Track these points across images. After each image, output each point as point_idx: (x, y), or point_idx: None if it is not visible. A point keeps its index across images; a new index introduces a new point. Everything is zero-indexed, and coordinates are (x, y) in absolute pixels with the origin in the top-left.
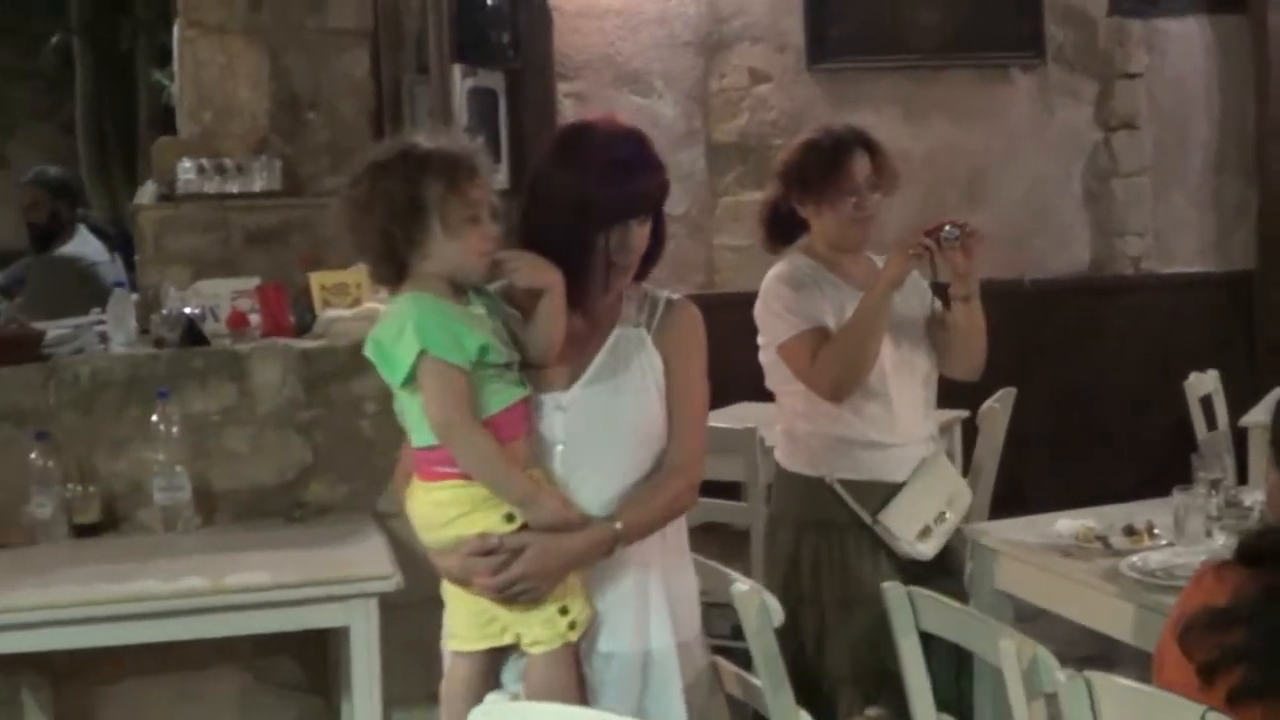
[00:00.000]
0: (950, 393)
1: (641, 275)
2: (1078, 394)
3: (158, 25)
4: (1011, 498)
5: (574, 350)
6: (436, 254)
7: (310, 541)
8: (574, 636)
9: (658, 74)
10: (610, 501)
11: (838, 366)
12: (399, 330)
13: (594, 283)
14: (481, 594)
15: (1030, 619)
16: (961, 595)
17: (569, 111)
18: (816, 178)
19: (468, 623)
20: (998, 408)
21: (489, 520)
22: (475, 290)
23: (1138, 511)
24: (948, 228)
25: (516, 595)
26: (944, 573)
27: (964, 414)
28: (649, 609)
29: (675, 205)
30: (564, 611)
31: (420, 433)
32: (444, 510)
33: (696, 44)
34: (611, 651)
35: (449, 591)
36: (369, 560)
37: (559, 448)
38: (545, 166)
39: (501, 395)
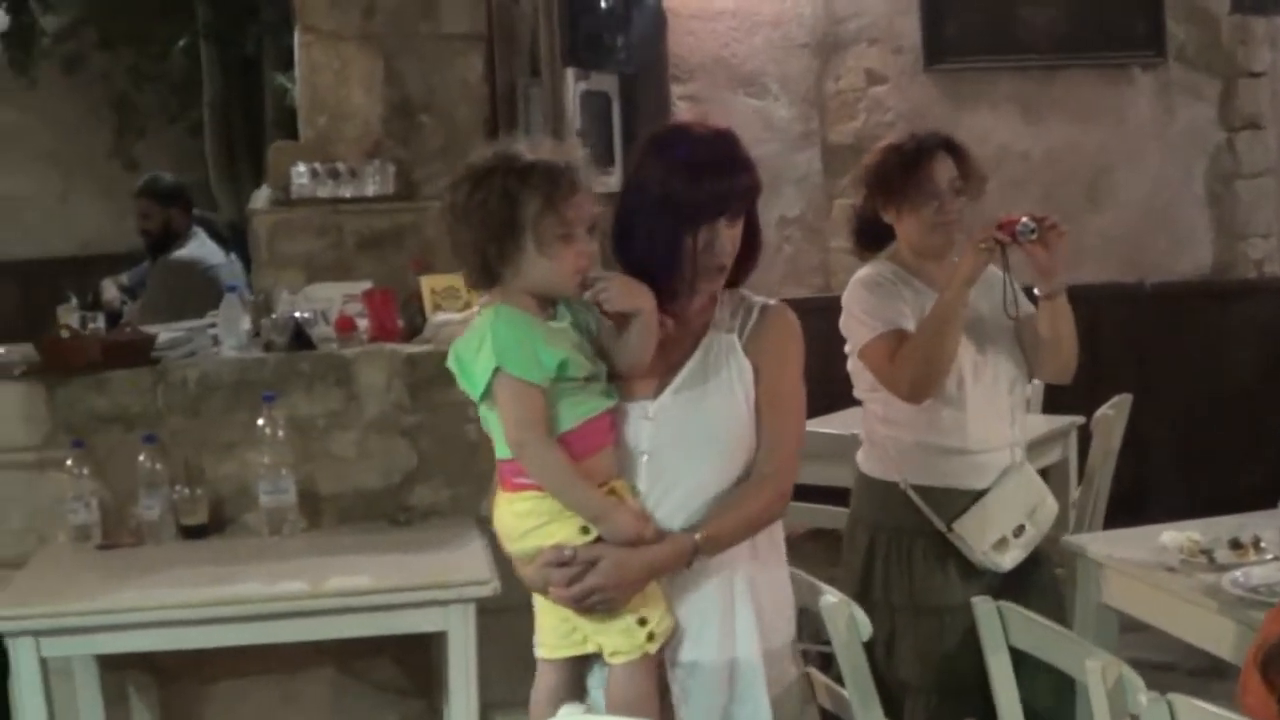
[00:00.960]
0: (1066, 398)
1: (737, 279)
2: (1199, 400)
3: (283, 29)
4: (1131, 505)
5: (664, 357)
6: (528, 269)
7: (412, 546)
8: (652, 648)
9: (773, 76)
10: (696, 511)
11: (913, 367)
12: (478, 345)
13: (682, 284)
14: (560, 604)
15: (1141, 630)
16: (1046, 609)
17: (684, 114)
18: (898, 182)
19: (552, 631)
20: (1112, 414)
21: (565, 531)
22: (562, 305)
23: (1248, 524)
24: (1024, 220)
25: (593, 606)
26: (1024, 585)
27: (1080, 420)
28: (734, 618)
29: (790, 208)
30: (642, 622)
31: (501, 445)
32: (523, 521)
33: (812, 46)
34: (696, 661)
35: (537, 599)
36: (468, 565)
37: (644, 457)
38: (635, 168)
39: (583, 407)
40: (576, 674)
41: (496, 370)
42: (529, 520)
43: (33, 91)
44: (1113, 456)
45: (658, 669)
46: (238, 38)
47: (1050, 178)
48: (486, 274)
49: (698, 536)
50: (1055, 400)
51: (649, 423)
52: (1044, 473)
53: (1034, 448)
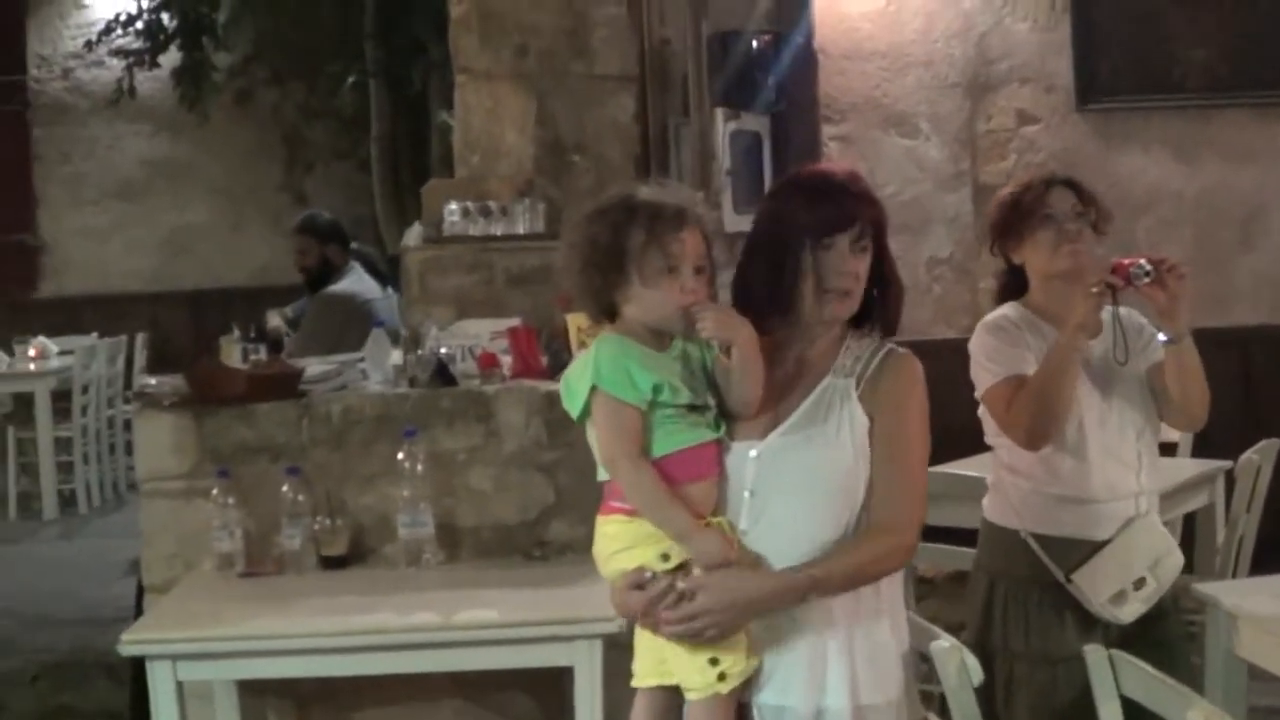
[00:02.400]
0: (1217, 442)
1: (872, 324)
2: None
3: (448, 67)
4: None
5: (780, 397)
6: (634, 300)
7: (546, 580)
8: (723, 689)
9: (924, 116)
10: (796, 556)
11: (1029, 415)
12: (582, 368)
13: (801, 308)
14: (643, 627)
15: (1274, 679)
16: (1165, 661)
17: (835, 154)
18: (1015, 214)
19: (643, 658)
20: (1257, 459)
21: (647, 556)
22: (687, 337)
23: None
24: (1139, 262)
25: (693, 633)
26: (1145, 638)
27: (1228, 464)
28: (826, 666)
29: (940, 248)
30: (714, 662)
31: (600, 466)
32: (609, 543)
33: (964, 85)
34: (782, 705)
35: (636, 628)
36: (598, 601)
37: (747, 496)
38: (762, 206)
39: (681, 435)
40: (668, 704)
41: (593, 389)
42: (615, 543)
43: (205, 127)
44: (1259, 503)
45: (738, 709)
46: (405, 75)
47: (1203, 218)
48: (601, 306)
49: (814, 573)
50: (1206, 444)
51: (754, 462)
52: (1190, 518)
53: (1180, 493)
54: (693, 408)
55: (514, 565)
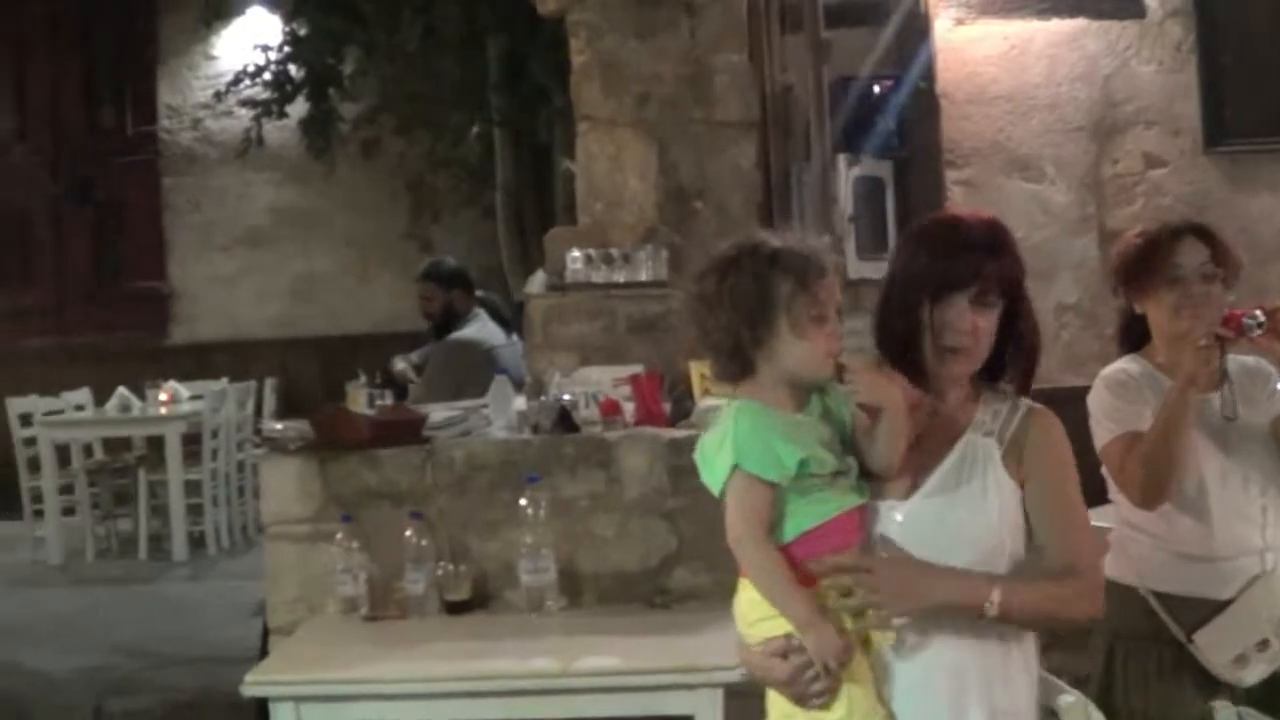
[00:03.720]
0: None
1: (1005, 376)
2: None
3: (571, 116)
4: None
5: (920, 456)
6: (781, 353)
7: (667, 628)
8: None
9: (1049, 160)
10: (938, 620)
11: (1142, 473)
12: (720, 441)
13: (922, 362)
14: (781, 693)
15: None
16: None
17: (958, 199)
18: (1140, 266)
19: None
20: None
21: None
22: (822, 389)
23: None
24: (1256, 313)
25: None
26: (1269, 704)
27: None
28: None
29: (1067, 294)
30: None
31: None
32: (754, 609)
33: (1089, 129)
34: None
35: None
36: (719, 650)
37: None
38: (895, 254)
39: (828, 505)
40: None
41: (734, 468)
42: (760, 609)
43: (332, 176)
44: None
45: None
46: (529, 124)
47: None
48: (738, 361)
49: (998, 590)
50: None
51: (898, 525)
52: None
53: None
54: (836, 473)
55: (635, 612)
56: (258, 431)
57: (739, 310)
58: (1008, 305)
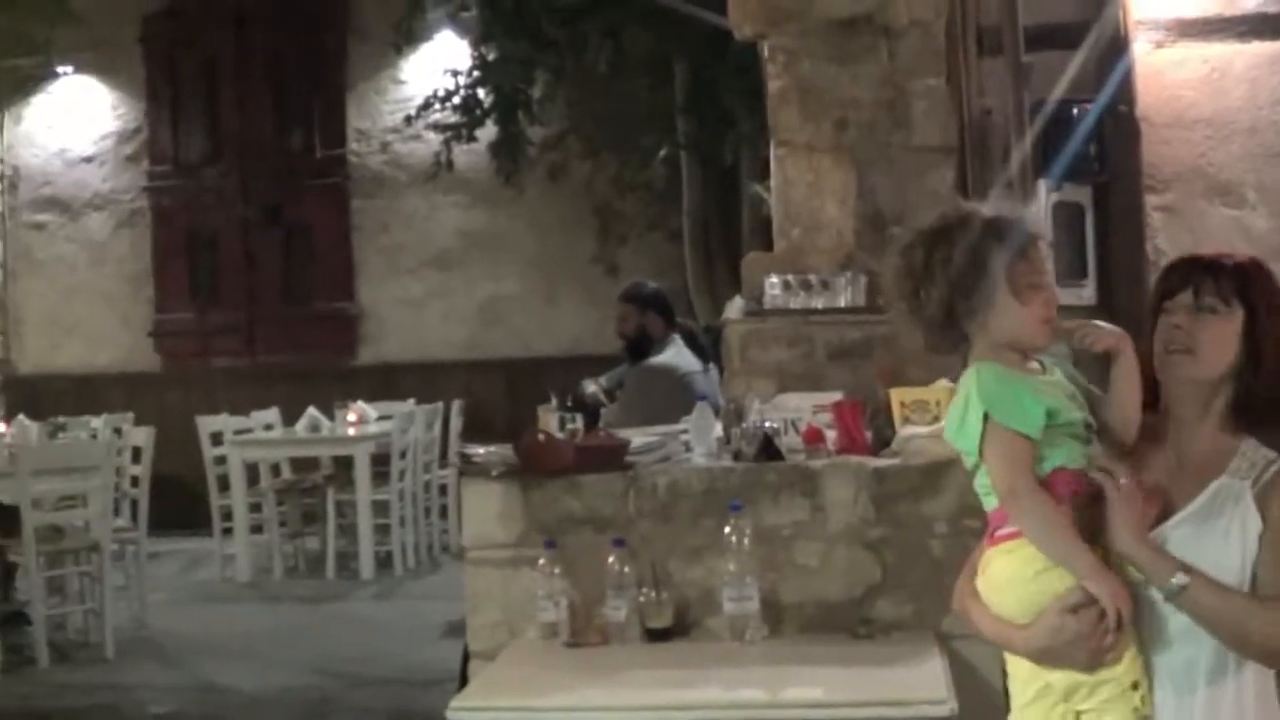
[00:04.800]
0: None
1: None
2: None
3: (759, 140)
4: None
5: (1167, 490)
6: (998, 321)
7: (871, 659)
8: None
9: (1250, 185)
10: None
11: None
12: (965, 402)
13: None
14: (1070, 666)
15: None
16: None
17: (1158, 225)
18: None
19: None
20: None
21: (1069, 579)
22: (1049, 360)
23: None
24: None
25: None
26: None
27: None
28: None
29: None
30: (1135, 686)
31: (990, 496)
32: (1027, 565)
33: None
34: None
35: (1024, 693)
36: (925, 683)
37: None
38: None
39: (1074, 454)
40: None
41: (986, 419)
42: (1034, 564)
43: (519, 199)
44: None
45: None
46: (716, 148)
47: None
48: (952, 333)
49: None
50: None
51: None
52: None
53: None
54: (1086, 427)
55: (838, 643)
56: (460, 455)
57: (953, 282)
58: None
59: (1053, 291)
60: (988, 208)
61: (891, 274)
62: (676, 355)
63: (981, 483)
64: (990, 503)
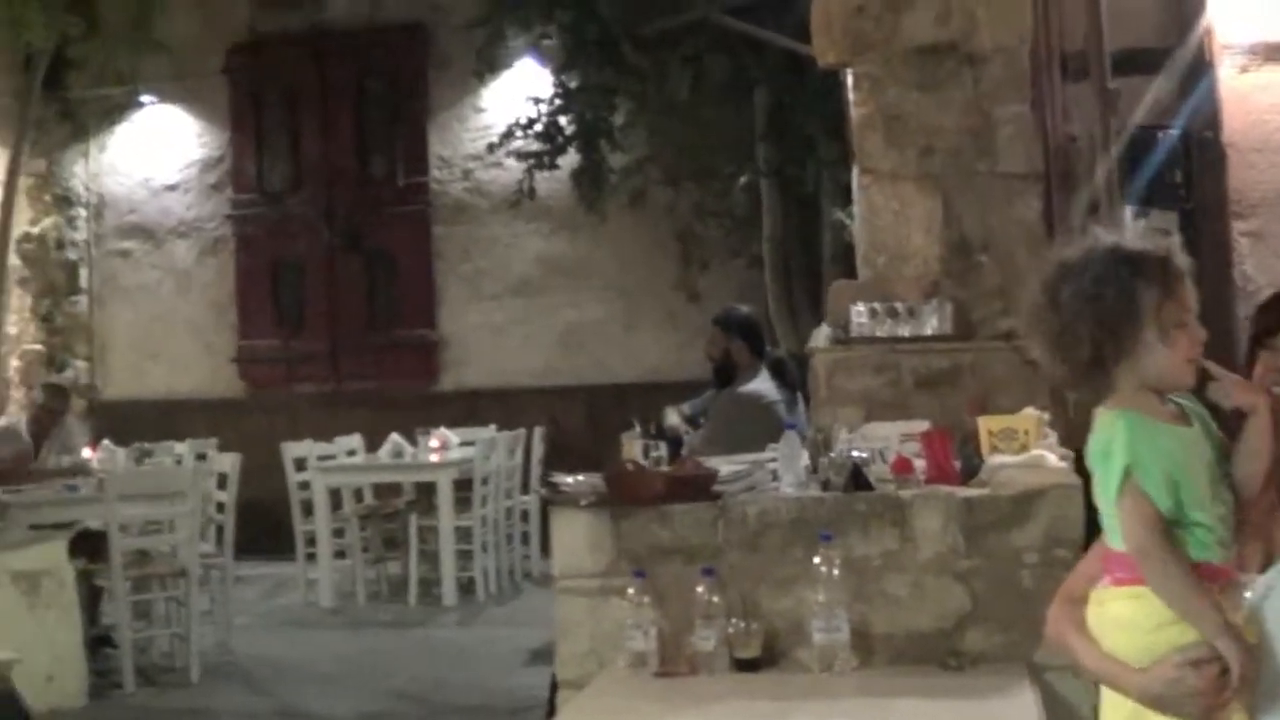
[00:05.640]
0: None
1: None
2: None
3: (840, 166)
4: None
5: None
6: (1145, 361)
7: (961, 691)
8: None
9: None
10: None
11: None
12: (1108, 445)
13: None
14: (1179, 716)
15: None
16: None
17: (1245, 251)
18: None
19: None
20: None
21: (1191, 633)
22: (1188, 404)
23: None
24: None
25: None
26: None
27: None
28: None
29: None
30: None
31: (1116, 536)
32: (1153, 615)
33: None
34: None
35: None
36: (1017, 716)
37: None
38: None
39: (1206, 551)
40: None
41: (1126, 472)
42: (1159, 616)
43: (601, 226)
44: None
45: None
46: (797, 174)
47: None
48: (1096, 370)
49: None
50: None
51: (1246, 603)
52: None
53: None
54: (1220, 518)
55: (927, 674)
56: (549, 484)
57: (1101, 319)
58: None
59: (1198, 330)
60: (1132, 239)
61: (1032, 308)
62: (763, 383)
63: (1108, 515)
64: (1115, 542)
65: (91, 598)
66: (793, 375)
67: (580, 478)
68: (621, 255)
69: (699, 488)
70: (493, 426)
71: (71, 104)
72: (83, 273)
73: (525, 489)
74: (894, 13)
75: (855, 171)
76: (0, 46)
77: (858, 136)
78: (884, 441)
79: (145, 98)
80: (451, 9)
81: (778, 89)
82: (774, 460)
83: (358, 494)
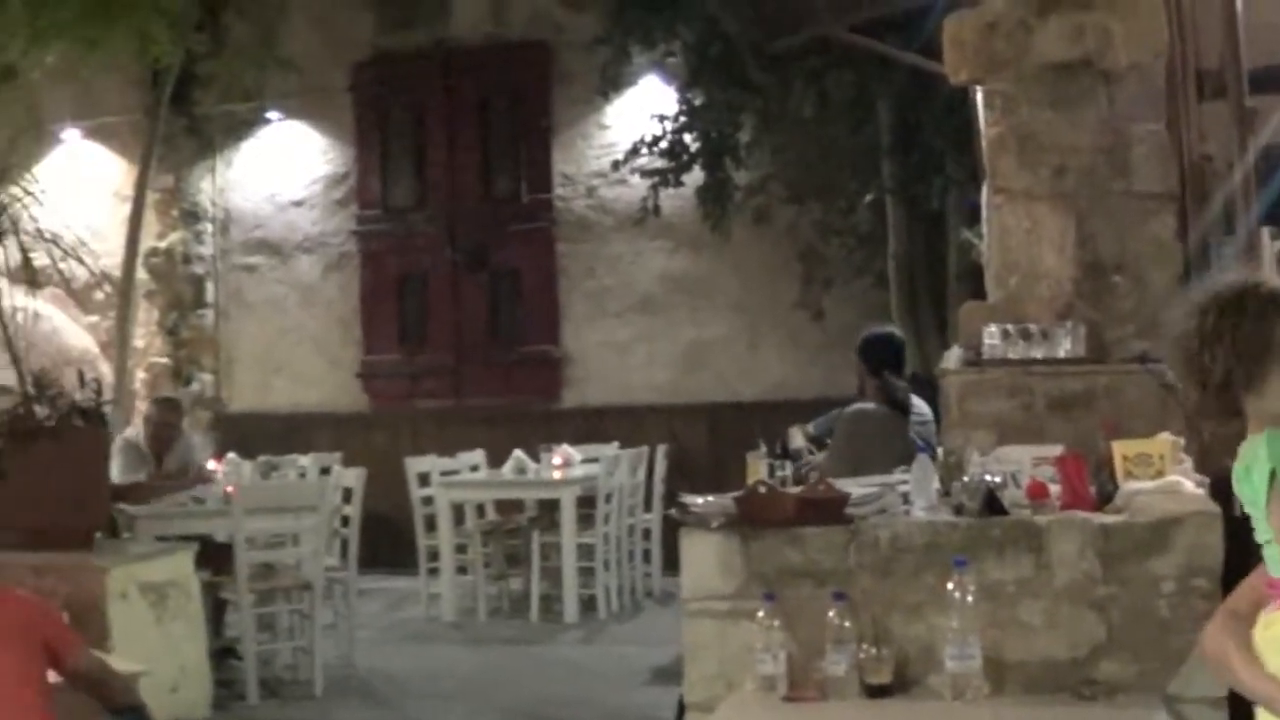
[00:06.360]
0: None
1: None
2: None
3: (967, 184)
4: None
5: None
6: (1271, 395)
7: None
8: None
9: None
10: None
11: None
12: (1249, 464)
13: None
14: None
15: None
16: None
17: None
18: None
19: None
20: None
21: None
22: None
23: None
24: None
25: None
26: None
27: None
28: None
29: None
30: None
31: (1276, 563)
32: None
33: None
34: None
35: None
36: None
37: None
38: None
39: None
40: None
41: (1273, 477)
42: None
43: (724, 243)
44: None
45: None
46: (923, 192)
47: None
48: (1225, 397)
49: None
50: None
51: None
52: None
53: None
54: None
55: (1060, 704)
56: (679, 505)
57: (1238, 350)
58: None
59: None
60: (1276, 280)
61: (1177, 333)
62: (871, 400)
63: (1265, 538)
64: (1277, 571)
65: (216, 610)
66: (900, 400)
67: (710, 498)
68: (744, 273)
69: (830, 510)
70: (615, 444)
71: (199, 120)
72: (209, 287)
73: (647, 507)
74: (1026, 30)
75: (986, 190)
76: (128, 64)
77: (990, 155)
78: (1016, 465)
79: (271, 114)
80: (575, 27)
81: (902, 106)
82: (904, 483)
83: (480, 509)
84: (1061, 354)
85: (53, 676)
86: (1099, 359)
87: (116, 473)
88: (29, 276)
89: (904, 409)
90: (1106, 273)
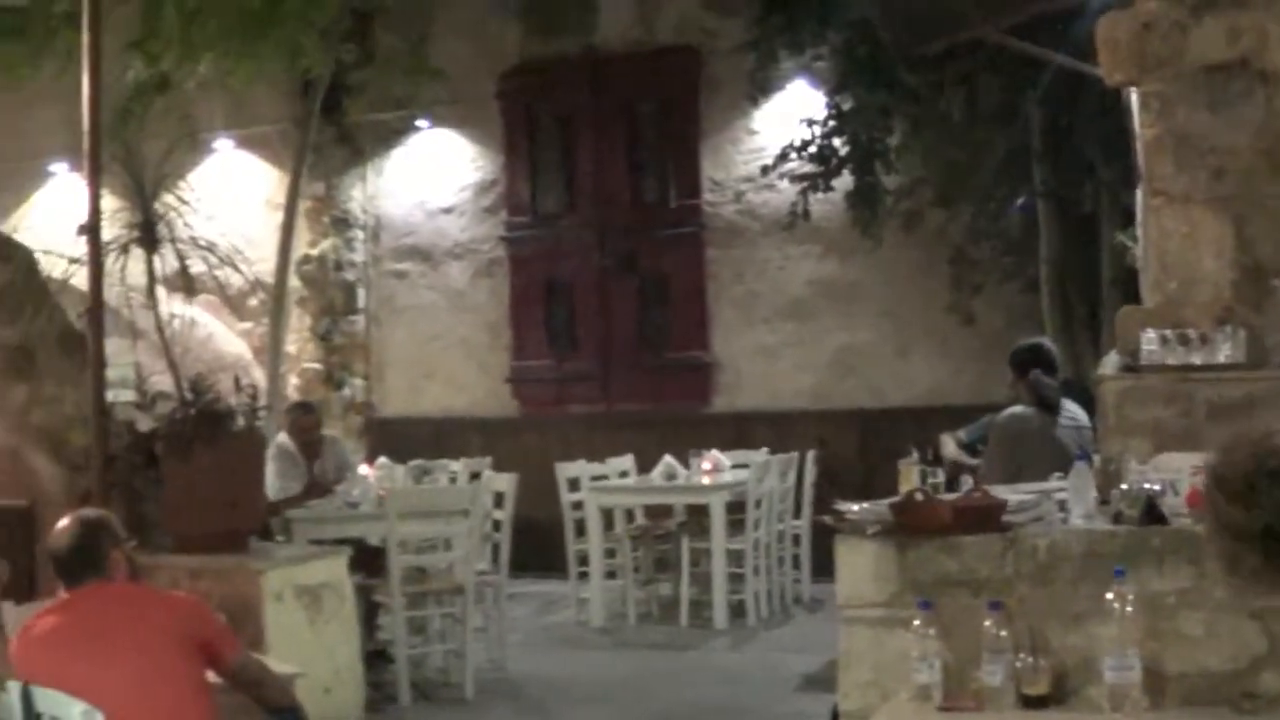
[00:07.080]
0: None
1: None
2: None
3: (1120, 187)
4: None
5: None
6: None
7: None
8: None
9: None
10: None
11: None
12: None
13: None
14: None
15: None
16: None
17: None
18: None
19: None
20: None
21: None
22: None
23: None
24: None
25: None
26: None
27: None
28: None
29: None
30: None
31: None
32: None
33: None
34: None
35: None
36: None
37: None
38: None
39: None
40: None
41: None
42: None
43: (874, 248)
44: None
45: None
46: (1075, 196)
47: None
48: None
49: None
50: None
51: None
52: None
53: None
54: None
55: (1221, 717)
56: (834, 512)
57: None
58: None
59: None
60: None
61: None
62: (1020, 405)
63: None
64: None
65: (369, 613)
66: (1050, 400)
67: (865, 505)
68: (893, 278)
69: (987, 518)
70: (764, 449)
71: (349, 129)
72: (360, 293)
73: (797, 513)
74: (1182, 30)
75: (1141, 193)
76: (280, 74)
77: (1146, 158)
78: (1176, 473)
79: (420, 122)
80: (722, 32)
81: (1053, 107)
82: (1061, 490)
83: (629, 515)
84: (1221, 359)
85: (211, 677)
86: (1259, 365)
87: (271, 477)
88: (185, 284)
89: (1053, 409)
90: (1266, 277)
